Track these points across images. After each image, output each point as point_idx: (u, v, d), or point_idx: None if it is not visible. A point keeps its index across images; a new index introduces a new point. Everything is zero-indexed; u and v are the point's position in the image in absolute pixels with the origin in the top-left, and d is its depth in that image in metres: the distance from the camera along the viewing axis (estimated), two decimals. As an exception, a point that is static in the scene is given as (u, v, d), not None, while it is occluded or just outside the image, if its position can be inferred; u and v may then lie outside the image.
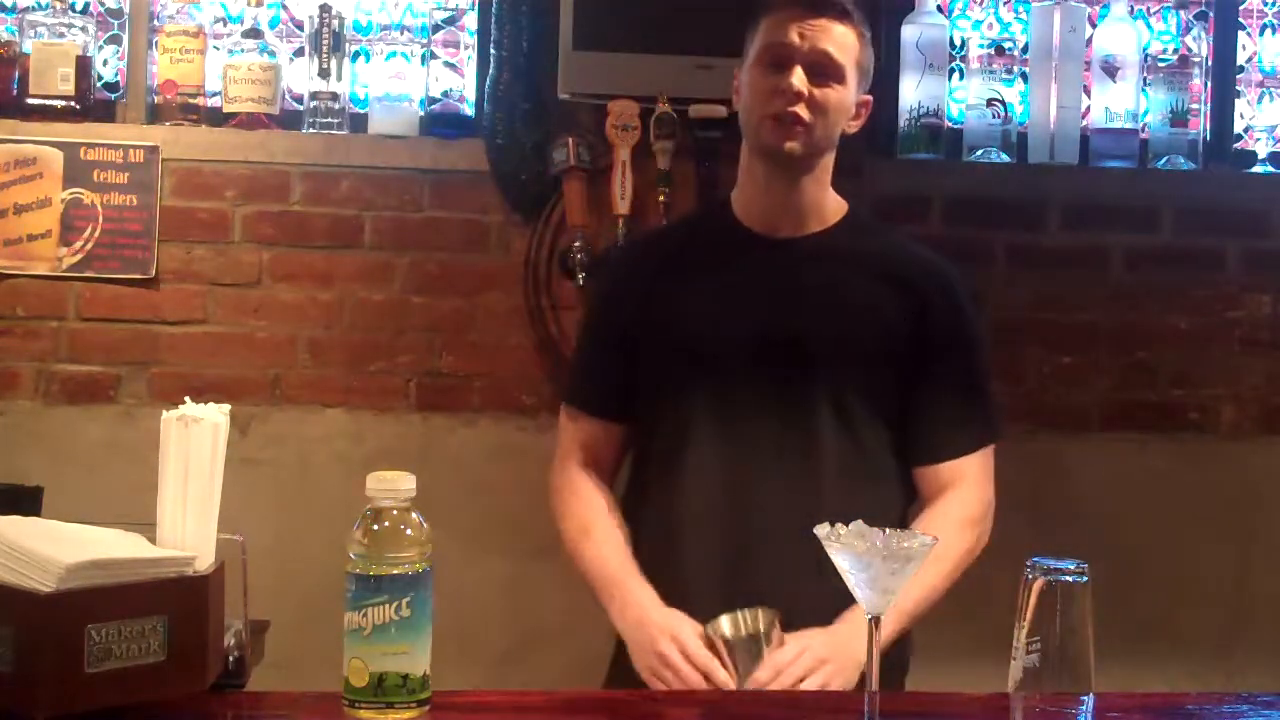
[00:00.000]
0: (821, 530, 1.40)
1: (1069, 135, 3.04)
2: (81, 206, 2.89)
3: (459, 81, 3.00)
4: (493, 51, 2.92)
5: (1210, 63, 3.11)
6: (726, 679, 1.81)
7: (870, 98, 2.03)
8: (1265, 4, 3.24)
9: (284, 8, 3.07)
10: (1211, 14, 3.16)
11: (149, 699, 1.37)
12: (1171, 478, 3.09)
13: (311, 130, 2.94)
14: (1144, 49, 3.08)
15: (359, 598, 1.38)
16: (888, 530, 1.40)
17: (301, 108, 2.97)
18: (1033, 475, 2.91)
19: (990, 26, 3.18)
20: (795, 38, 1.93)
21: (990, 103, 3.02)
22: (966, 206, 3.05)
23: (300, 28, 3.01)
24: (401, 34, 3.05)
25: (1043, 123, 3.05)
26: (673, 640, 1.84)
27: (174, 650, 1.37)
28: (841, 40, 1.94)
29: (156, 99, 2.96)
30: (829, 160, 2.01)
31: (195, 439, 1.47)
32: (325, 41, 2.93)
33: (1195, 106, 3.05)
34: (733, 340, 1.97)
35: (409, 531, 1.40)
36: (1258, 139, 3.22)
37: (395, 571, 1.38)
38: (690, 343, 1.99)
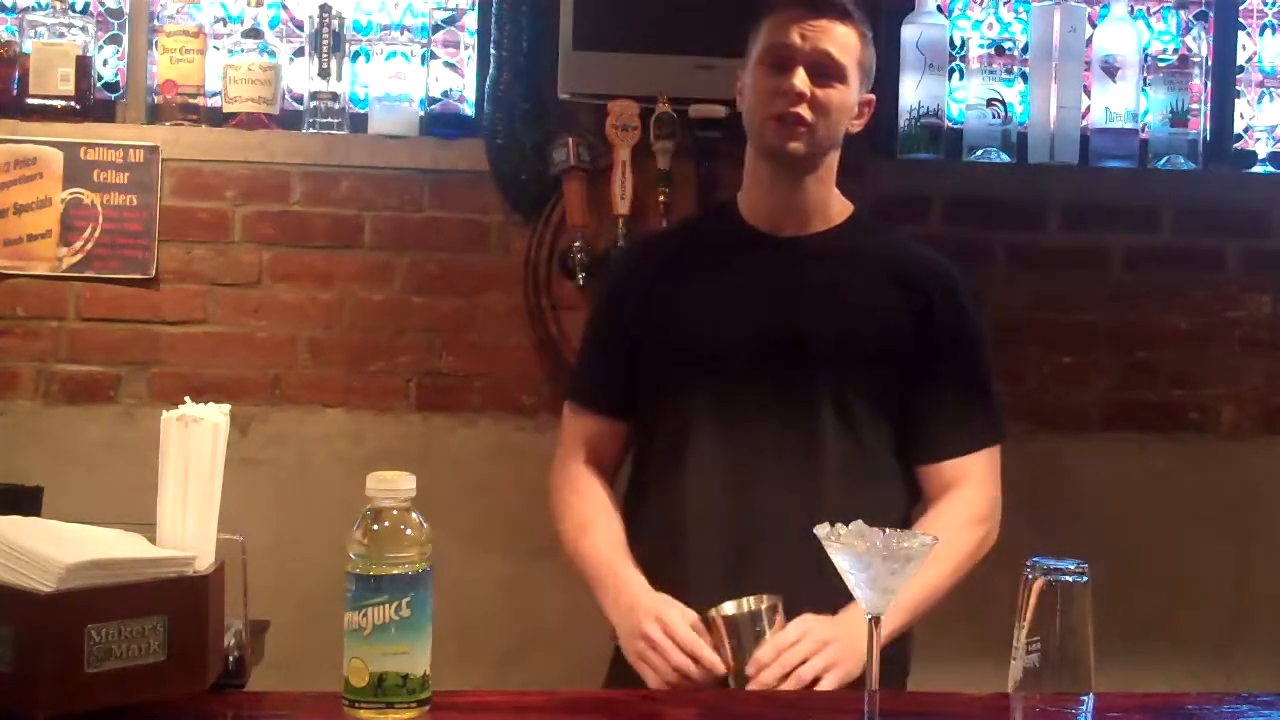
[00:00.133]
0: (821, 530, 1.40)
1: (1069, 135, 3.04)
2: (81, 206, 2.89)
3: (459, 81, 3.00)
4: (493, 51, 2.92)
5: (1210, 63, 3.11)
6: (715, 660, 1.78)
7: (873, 96, 2.04)
8: (1265, 4, 3.24)
9: (284, 8, 3.07)
10: (1211, 14, 3.16)
11: (149, 699, 1.37)
12: (1171, 478, 3.09)
13: (311, 130, 2.94)
14: (1144, 49, 3.08)
15: (359, 598, 1.38)
16: (887, 530, 1.40)
17: (301, 108, 2.97)
18: (1033, 475, 2.90)
19: (990, 26, 3.18)
20: (797, 39, 1.93)
21: (990, 103, 3.01)
22: (966, 206, 3.05)
23: (300, 28, 3.01)
24: (401, 34, 3.05)
25: (1043, 123, 3.05)
26: (657, 621, 1.82)
27: (174, 650, 1.37)
28: (843, 40, 1.95)
29: (156, 99, 2.96)
30: (833, 160, 2.02)
31: (195, 439, 1.47)
32: (325, 41, 2.93)
33: (1195, 106, 3.05)
34: (734, 339, 1.97)
35: (409, 531, 1.40)
36: (1258, 139, 3.22)
37: (395, 571, 1.38)
38: (691, 342, 1.99)
